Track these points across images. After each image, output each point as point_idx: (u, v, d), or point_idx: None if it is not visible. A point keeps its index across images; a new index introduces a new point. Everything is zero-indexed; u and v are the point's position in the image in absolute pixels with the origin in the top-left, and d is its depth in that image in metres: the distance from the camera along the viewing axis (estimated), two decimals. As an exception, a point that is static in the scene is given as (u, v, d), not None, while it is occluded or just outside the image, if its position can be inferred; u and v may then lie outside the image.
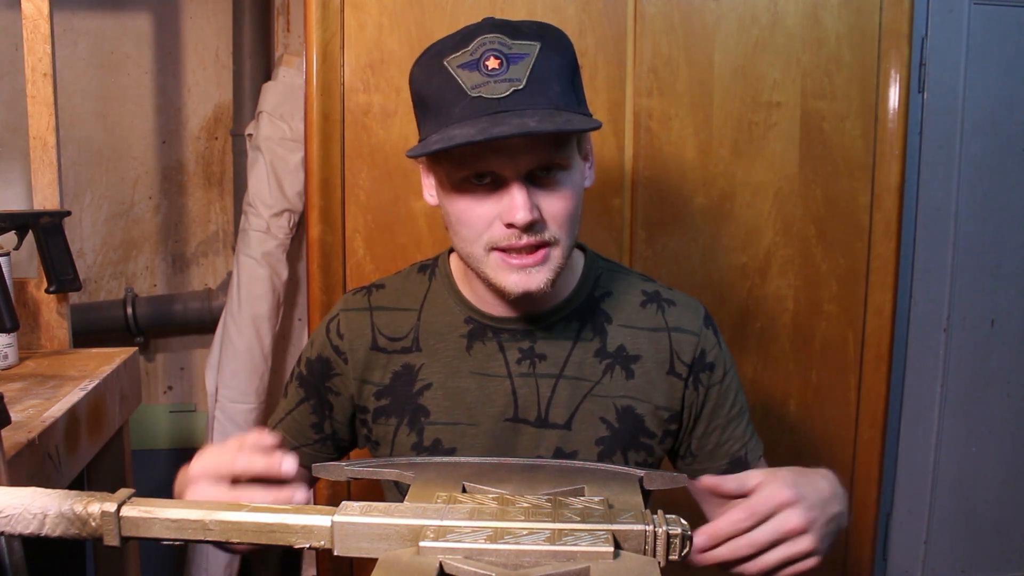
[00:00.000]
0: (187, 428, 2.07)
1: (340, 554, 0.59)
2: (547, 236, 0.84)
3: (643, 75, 1.43)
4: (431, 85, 0.84)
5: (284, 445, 0.98)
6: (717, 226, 1.49)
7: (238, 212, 1.94)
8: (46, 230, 1.40)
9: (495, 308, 0.94)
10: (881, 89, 1.48)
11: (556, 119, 0.79)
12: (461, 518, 0.59)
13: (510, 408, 0.94)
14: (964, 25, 1.93)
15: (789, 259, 1.51)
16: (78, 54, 1.90)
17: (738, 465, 0.98)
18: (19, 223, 1.39)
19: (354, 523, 0.58)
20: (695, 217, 1.48)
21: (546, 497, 0.63)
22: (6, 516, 0.58)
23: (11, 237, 1.40)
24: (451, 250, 1.01)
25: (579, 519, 0.59)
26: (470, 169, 0.83)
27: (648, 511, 0.61)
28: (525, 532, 0.57)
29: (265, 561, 2.08)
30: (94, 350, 1.45)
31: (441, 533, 0.56)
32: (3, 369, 1.31)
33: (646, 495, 0.71)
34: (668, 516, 0.60)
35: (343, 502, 0.61)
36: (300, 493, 0.68)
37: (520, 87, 0.80)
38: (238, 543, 0.60)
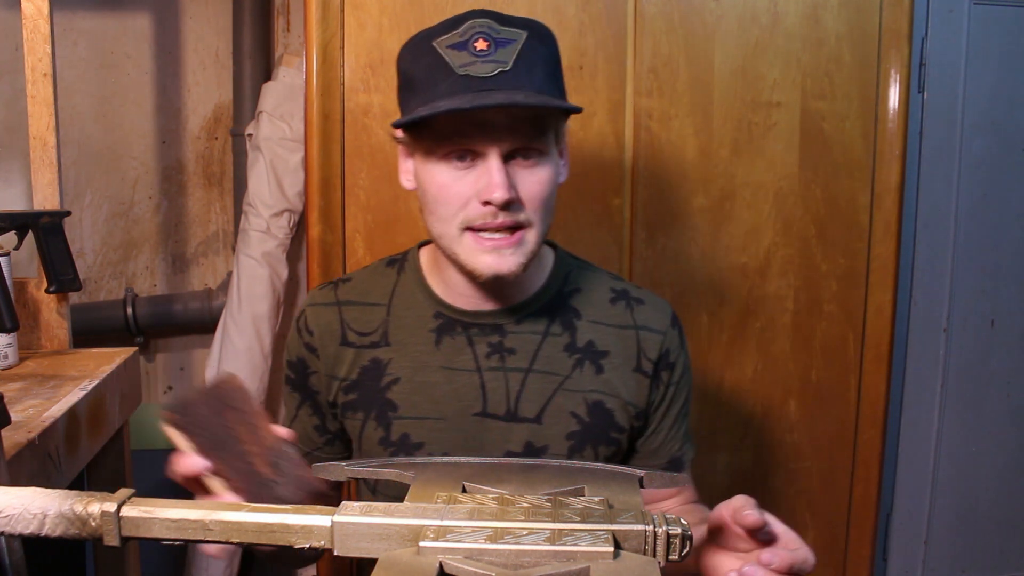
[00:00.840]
0: (187, 428, 2.07)
1: (340, 554, 0.59)
2: (522, 217, 0.85)
3: (643, 75, 1.43)
4: (418, 64, 0.85)
5: None
6: (717, 226, 1.49)
7: (238, 212, 1.94)
8: (46, 230, 1.40)
9: (465, 302, 0.95)
10: (881, 89, 1.48)
11: (540, 98, 0.82)
12: (461, 518, 0.59)
13: (478, 402, 0.93)
14: (964, 25, 1.93)
15: (789, 259, 1.51)
16: (78, 54, 1.90)
17: (675, 464, 1.00)
18: (19, 223, 1.39)
19: (354, 523, 0.58)
20: (695, 217, 1.48)
21: (546, 497, 0.63)
22: (6, 516, 0.58)
23: (11, 237, 1.40)
24: (421, 245, 1.02)
25: (579, 519, 0.59)
26: (451, 144, 0.84)
27: (648, 511, 0.61)
28: (525, 532, 0.57)
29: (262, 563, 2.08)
30: (94, 350, 1.45)
31: (441, 533, 0.56)
32: (3, 369, 1.31)
33: None
34: (668, 516, 0.60)
35: (343, 502, 0.61)
36: None
37: (506, 68, 0.82)
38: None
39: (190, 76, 1.98)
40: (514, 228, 0.85)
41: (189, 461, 0.69)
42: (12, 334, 1.31)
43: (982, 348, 2.07)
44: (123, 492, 0.60)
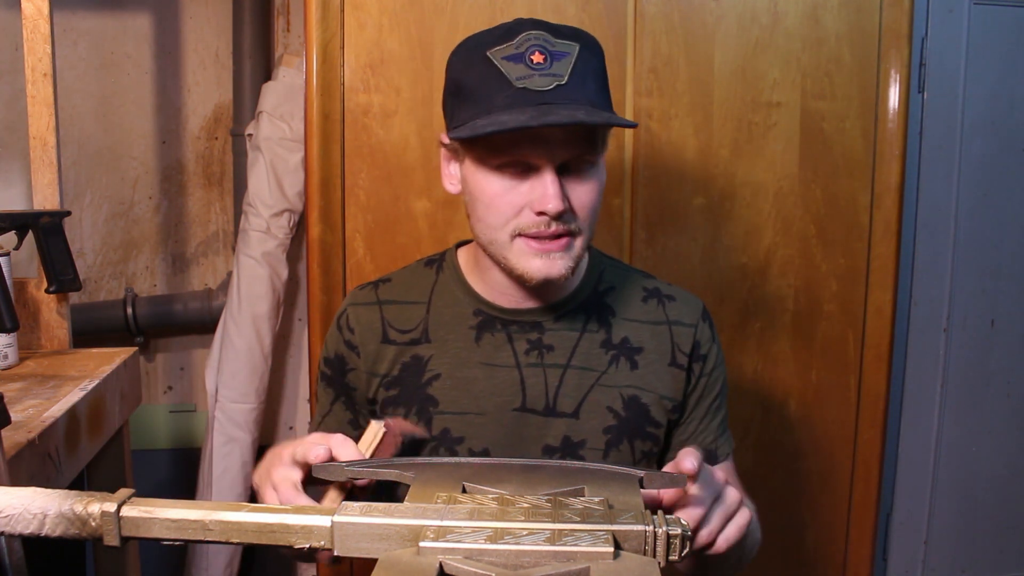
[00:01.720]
0: (187, 428, 2.07)
1: (340, 554, 0.59)
2: (573, 226, 0.88)
3: (643, 75, 1.43)
4: (472, 74, 0.86)
5: None
6: (717, 226, 1.49)
7: (238, 212, 1.94)
8: (46, 230, 1.40)
9: (505, 300, 0.97)
10: (881, 89, 1.48)
11: (601, 114, 0.84)
12: (461, 518, 0.59)
13: (518, 398, 0.95)
14: (964, 25, 1.93)
15: (789, 259, 1.51)
16: (78, 54, 1.90)
17: (708, 457, 1.00)
18: (19, 223, 1.39)
19: (354, 523, 0.58)
20: (695, 217, 1.48)
21: (546, 497, 0.63)
22: (6, 516, 0.58)
23: (11, 237, 1.40)
24: (458, 245, 1.04)
25: (579, 519, 0.59)
26: (507, 156, 0.85)
27: (648, 511, 0.61)
28: (525, 532, 0.57)
29: (262, 563, 2.08)
30: (94, 350, 1.45)
31: (441, 533, 0.56)
32: (3, 369, 1.31)
33: None
34: (668, 516, 0.60)
35: (343, 502, 0.61)
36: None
37: (563, 82, 0.83)
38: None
39: (190, 76, 1.98)
40: (563, 235, 0.88)
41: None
42: (12, 334, 1.31)
43: (982, 348, 2.07)
44: (123, 492, 0.60)
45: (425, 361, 0.97)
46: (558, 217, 0.86)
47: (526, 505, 0.61)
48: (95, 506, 0.59)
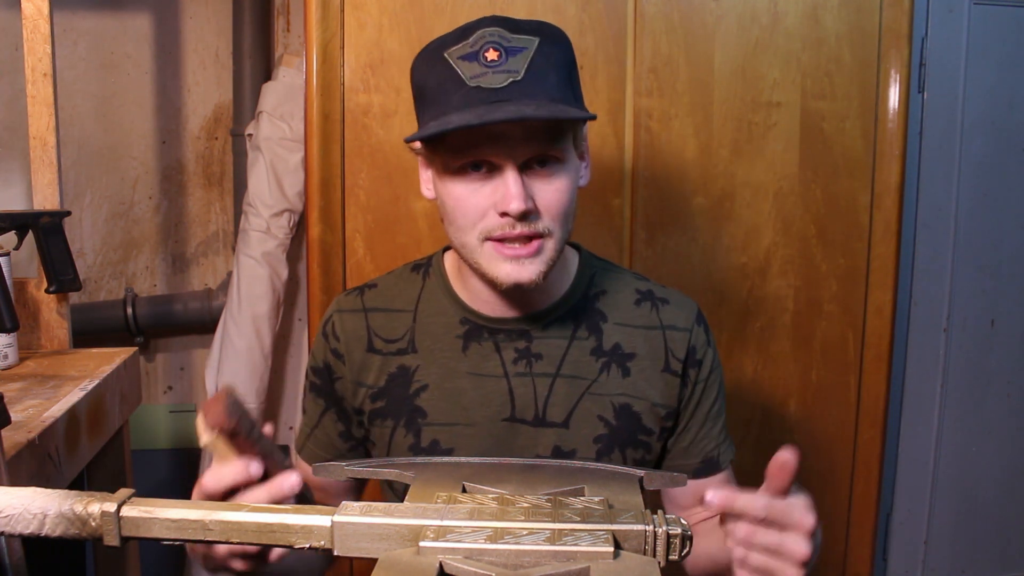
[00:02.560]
0: (187, 428, 2.07)
1: (340, 554, 0.59)
2: (540, 227, 0.85)
3: (643, 75, 1.43)
4: (431, 77, 0.85)
5: (314, 461, 0.99)
6: (717, 226, 1.49)
7: (238, 212, 1.94)
8: (46, 230, 1.40)
9: (490, 308, 0.94)
10: (881, 89, 1.48)
11: (552, 108, 0.80)
12: (461, 518, 0.59)
13: (507, 408, 0.94)
14: (964, 25, 1.93)
15: (789, 259, 1.51)
16: (78, 54, 1.90)
17: (710, 465, 0.99)
18: (19, 223, 1.39)
19: (354, 523, 0.58)
20: (695, 217, 1.48)
21: (546, 497, 0.63)
22: (6, 516, 0.58)
23: (11, 237, 1.40)
24: (445, 249, 1.01)
25: (579, 519, 0.59)
26: (466, 157, 0.84)
27: (648, 511, 0.61)
28: (525, 532, 0.57)
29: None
30: (94, 350, 1.45)
31: (441, 533, 0.56)
32: (3, 369, 1.31)
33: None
34: (668, 516, 0.60)
35: (343, 502, 0.61)
36: (292, 478, 0.67)
37: (518, 78, 0.81)
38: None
39: (190, 76, 1.98)
40: (532, 237, 0.85)
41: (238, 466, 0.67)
42: (12, 334, 1.31)
43: (982, 348, 2.07)
44: (123, 492, 0.60)
45: (412, 372, 0.95)
46: (522, 218, 0.83)
47: (526, 505, 0.61)
48: (95, 506, 0.59)
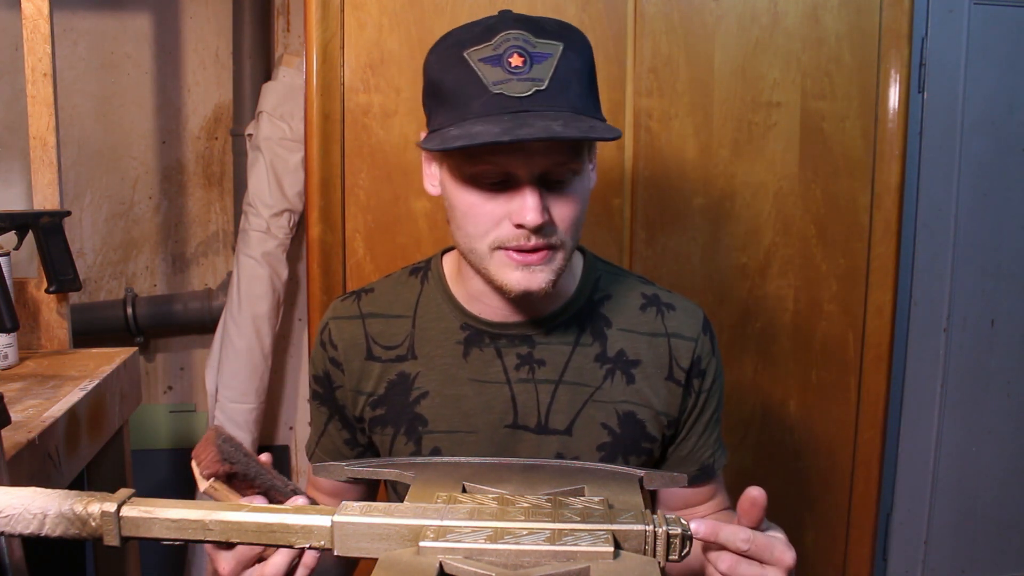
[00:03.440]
0: (187, 428, 2.07)
1: (340, 554, 0.59)
2: (554, 239, 0.83)
3: (643, 75, 1.43)
4: (449, 76, 0.81)
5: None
6: (717, 226, 1.49)
7: (238, 212, 1.94)
8: (46, 230, 1.40)
9: (492, 312, 0.93)
10: (881, 89, 1.48)
11: (580, 124, 0.78)
12: (461, 518, 0.59)
13: (509, 415, 0.92)
14: (964, 25, 1.93)
15: (789, 259, 1.51)
16: (78, 54, 1.90)
17: (705, 473, 0.98)
18: (19, 223, 1.39)
19: (354, 523, 0.58)
20: (695, 217, 1.48)
21: (546, 497, 0.63)
22: (6, 516, 0.58)
23: (11, 237, 1.40)
24: (444, 252, 0.99)
25: (579, 519, 0.59)
26: (482, 165, 0.81)
27: (648, 511, 0.61)
28: (525, 532, 0.57)
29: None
30: (94, 350, 1.45)
31: (441, 533, 0.56)
32: (3, 369, 1.31)
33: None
34: (668, 516, 0.60)
35: (343, 502, 0.61)
36: (299, 502, 0.68)
37: (542, 87, 0.78)
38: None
39: (190, 76, 1.98)
40: (547, 248, 0.83)
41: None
42: (12, 334, 1.31)
43: (982, 348, 2.07)
44: (123, 492, 0.60)
45: (412, 379, 0.93)
46: (538, 230, 0.81)
47: (526, 505, 0.61)
48: (95, 506, 0.59)
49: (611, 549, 0.55)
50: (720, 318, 1.51)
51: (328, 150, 1.36)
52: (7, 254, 1.33)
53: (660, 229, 1.47)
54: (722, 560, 0.67)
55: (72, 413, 1.13)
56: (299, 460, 2.10)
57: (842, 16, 1.46)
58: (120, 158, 1.96)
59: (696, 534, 0.64)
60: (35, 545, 0.64)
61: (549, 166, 0.81)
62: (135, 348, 1.49)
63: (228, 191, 2.02)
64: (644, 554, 0.58)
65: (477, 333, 0.93)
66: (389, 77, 1.36)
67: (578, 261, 0.98)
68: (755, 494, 0.68)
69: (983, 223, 2.03)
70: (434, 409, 0.93)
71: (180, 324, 2.00)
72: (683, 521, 0.60)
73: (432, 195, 0.91)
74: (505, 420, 0.92)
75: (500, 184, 0.81)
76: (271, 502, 0.67)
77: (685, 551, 0.59)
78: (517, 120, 0.76)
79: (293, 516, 0.59)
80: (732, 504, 1.02)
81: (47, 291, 1.41)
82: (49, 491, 0.60)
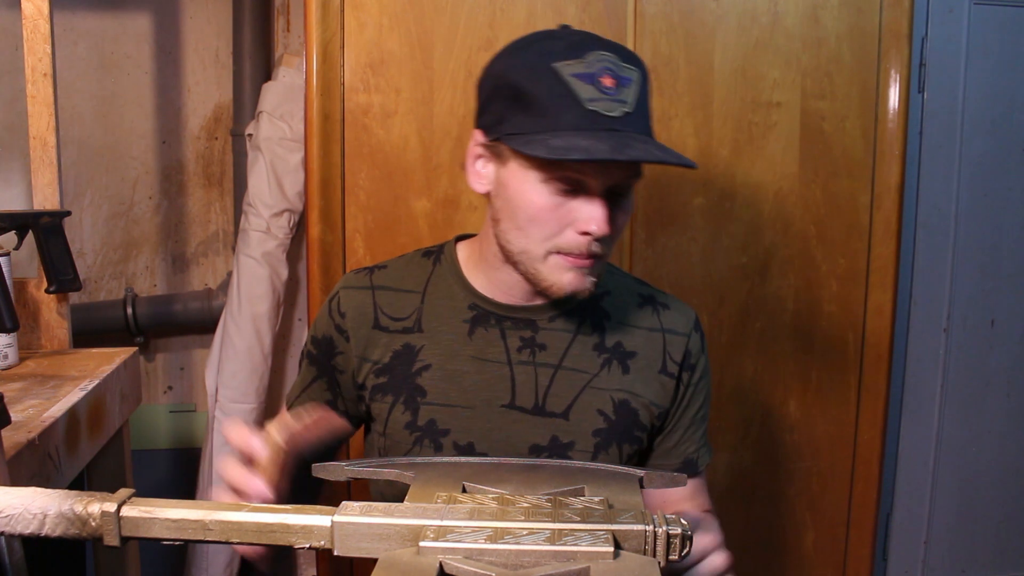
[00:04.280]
0: (187, 428, 2.07)
1: (340, 554, 0.59)
2: (605, 249, 0.88)
3: (643, 75, 1.43)
4: (538, 85, 0.83)
5: None
6: (717, 226, 1.49)
7: (238, 212, 1.94)
8: (46, 230, 1.40)
9: (503, 296, 0.96)
10: (881, 89, 1.48)
11: (672, 153, 0.83)
12: (461, 518, 0.59)
13: (507, 394, 0.95)
14: (964, 25, 1.93)
15: (789, 259, 1.51)
16: (78, 54, 1.90)
17: (688, 466, 1.02)
18: (19, 223, 1.39)
19: (354, 523, 0.58)
20: (695, 217, 1.48)
21: (546, 497, 0.63)
22: (6, 516, 0.58)
23: (11, 237, 1.40)
24: (458, 239, 1.03)
25: (579, 519, 0.59)
26: (562, 171, 0.84)
27: (648, 511, 0.61)
28: (525, 532, 0.57)
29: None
30: (94, 350, 1.45)
31: (441, 533, 0.56)
32: (3, 369, 1.31)
33: None
34: (668, 516, 0.60)
35: (343, 502, 0.61)
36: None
37: (630, 111, 0.83)
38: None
39: (190, 76, 1.98)
40: (601, 256, 0.88)
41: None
42: (12, 334, 1.31)
43: (982, 348, 2.07)
44: (123, 492, 0.60)
45: (416, 351, 0.97)
46: (601, 239, 0.86)
47: (526, 505, 0.61)
48: (95, 506, 0.59)
49: (611, 549, 0.55)
50: (720, 318, 1.51)
51: (328, 150, 1.37)
52: (7, 254, 1.33)
53: (660, 229, 1.47)
54: None
55: (72, 413, 1.13)
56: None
57: (842, 16, 1.46)
58: (120, 158, 1.96)
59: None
60: (35, 545, 0.64)
61: (619, 180, 0.85)
62: (135, 348, 1.48)
63: (228, 191, 2.02)
64: (644, 554, 0.58)
65: (484, 314, 0.97)
66: (389, 77, 1.36)
67: None
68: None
69: (983, 223, 2.03)
70: (434, 382, 0.96)
71: (180, 324, 2.00)
72: (683, 521, 0.60)
73: (480, 193, 0.93)
74: (502, 399, 0.95)
75: (570, 191, 0.85)
76: None
77: (685, 551, 0.59)
78: (616, 139, 0.81)
79: (293, 516, 0.59)
80: (713, 506, 1.05)
81: (47, 291, 1.41)
82: (49, 491, 0.60)
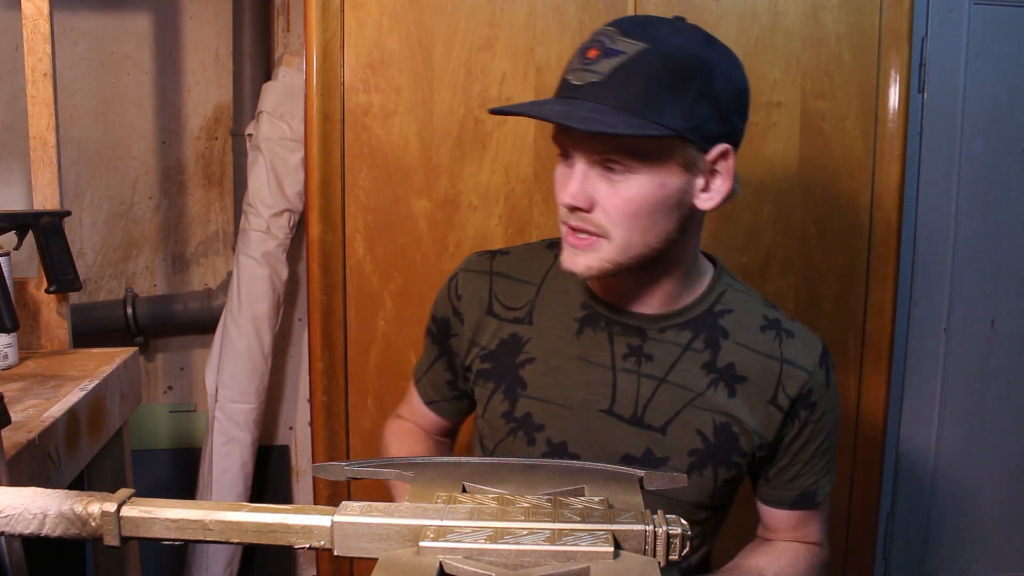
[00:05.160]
0: (187, 428, 2.07)
1: (340, 554, 0.59)
2: (591, 226, 0.85)
3: (643, 75, 1.43)
4: None
5: (426, 397, 1.07)
6: (717, 226, 1.49)
7: (238, 212, 1.94)
8: (46, 230, 1.39)
9: (613, 298, 0.95)
10: (881, 89, 1.48)
11: (602, 118, 0.78)
12: (461, 518, 0.59)
13: (607, 399, 0.94)
14: (964, 25, 1.93)
15: (789, 259, 1.51)
16: (78, 54, 1.90)
17: (807, 498, 0.99)
18: (19, 223, 1.39)
19: (354, 523, 0.58)
20: (695, 217, 1.48)
21: (546, 497, 0.63)
22: (6, 516, 0.58)
23: (11, 237, 1.40)
24: None
25: (579, 519, 0.59)
26: (557, 145, 0.87)
27: (648, 511, 0.61)
28: (525, 532, 0.57)
29: (262, 563, 2.08)
30: (94, 350, 1.45)
31: (441, 533, 0.56)
32: (3, 369, 1.31)
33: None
34: (668, 516, 0.60)
35: (343, 502, 0.61)
36: None
37: (596, 80, 0.81)
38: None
39: (190, 76, 1.98)
40: (581, 231, 0.86)
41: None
42: (12, 334, 1.31)
43: (982, 348, 2.07)
44: (123, 492, 0.60)
45: (523, 342, 0.97)
46: (573, 211, 0.85)
47: (526, 505, 0.61)
48: (95, 506, 0.59)
49: (611, 549, 0.55)
50: (720, 318, 1.51)
51: (328, 150, 1.37)
52: (7, 254, 1.33)
53: (660, 229, 1.47)
54: None
55: (72, 413, 1.13)
56: (299, 460, 2.10)
57: (842, 16, 1.46)
58: (120, 158, 1.96)
59: None
60: (35, 545, 0.64)
61: (596, 153, 0.83)
62: (135, 348, 1.48)
63: (228, 191, 2.02)
64: (644, 554, 0.58)
65: (594, 315, 0.96)
66: (389, 77, 1.36)
67: (708, 270, 0.99)
68: None
69: (983, 223, 2.03)
70: (536, 376, 0.95)
71: (180, 324, 2.00)
72: (683, 521, 0.60)
73: None
74: (601, 404, 0.94)
75: (571, 165, 0.87)
76: None
77: (685, 551, 0.59)
78: (566, 105, 0.82)
79: (293, 516, 0.59)
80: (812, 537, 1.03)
81: (47, 291, 1.41)
82: (49, 491, 0.60)
